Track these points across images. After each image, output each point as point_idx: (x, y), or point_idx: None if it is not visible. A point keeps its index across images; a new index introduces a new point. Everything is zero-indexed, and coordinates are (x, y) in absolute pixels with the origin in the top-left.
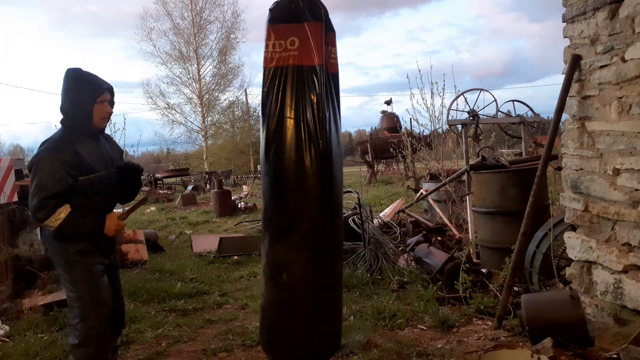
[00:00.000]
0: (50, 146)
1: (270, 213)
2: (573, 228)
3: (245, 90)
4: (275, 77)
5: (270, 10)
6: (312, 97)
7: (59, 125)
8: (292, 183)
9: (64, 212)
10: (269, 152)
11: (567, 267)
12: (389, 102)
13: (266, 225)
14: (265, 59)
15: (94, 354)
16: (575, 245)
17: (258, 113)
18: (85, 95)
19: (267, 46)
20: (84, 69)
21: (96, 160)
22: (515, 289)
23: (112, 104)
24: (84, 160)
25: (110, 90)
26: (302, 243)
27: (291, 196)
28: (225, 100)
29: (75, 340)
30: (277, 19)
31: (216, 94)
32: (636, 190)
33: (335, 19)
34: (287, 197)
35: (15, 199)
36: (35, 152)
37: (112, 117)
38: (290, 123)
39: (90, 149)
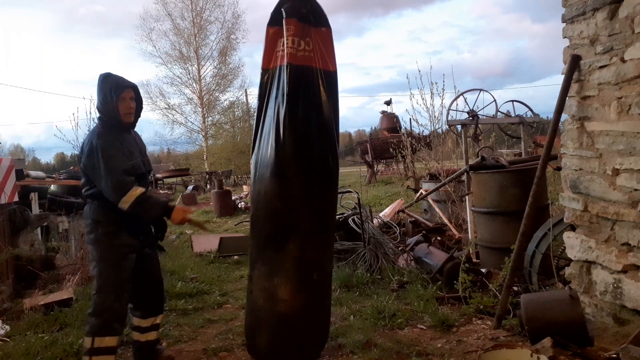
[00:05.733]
0: (100, 136)
1: (297, 216)
2: (572, 228)
3: (246, 90)
4: (301, 76)
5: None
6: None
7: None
8: (321, 185)
9: (138, 191)
10: (297, 153)
11: (566, 267)
12: (388, 103)
13: (290, 229)
14: (289, 55)
15: (102, 324)
16: (574, 245)
17: None
18: (110, 92)
19: (293, 42)
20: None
21: (132, 150)
22: (515, 288)
23: (139, 101)
24: (125, 147)
25: (133, 88)
26: (328, 240)
27: (319, 197)
28: (225, 100)
29: (91, 310)
30: (301, 17)
31: (216, 94)
32: (635, 190)
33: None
34: (316, 198)
35: (16, 198)
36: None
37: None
38: (318, 125)
39: (125, 139)
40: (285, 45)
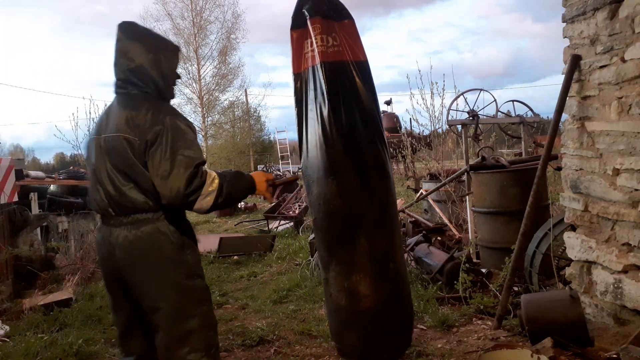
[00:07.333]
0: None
1: (360, 210)
2: (573, 228)
3: (246, 90)
4: (340, 71)
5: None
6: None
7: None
8: (376, 175)
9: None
10: (347, 148)
11: (566, 267)
12: (388, 102)
13: (356, 224)
14: (322, 53)
15: None
16: (575, 245)
17: (258, 113)
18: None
19: (322, 40)
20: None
21: None
22: (515, 288)
23: None
24: None
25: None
26: (394, 229)
27: (377, 186)
28: (225, 100)
29: None
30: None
31: (216, 94)
32: (636, 190)
33: None
34: (374, 188)
35: (16, 198)
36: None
37: None
38: (362, 116)
39: None
40: (315, 45)
